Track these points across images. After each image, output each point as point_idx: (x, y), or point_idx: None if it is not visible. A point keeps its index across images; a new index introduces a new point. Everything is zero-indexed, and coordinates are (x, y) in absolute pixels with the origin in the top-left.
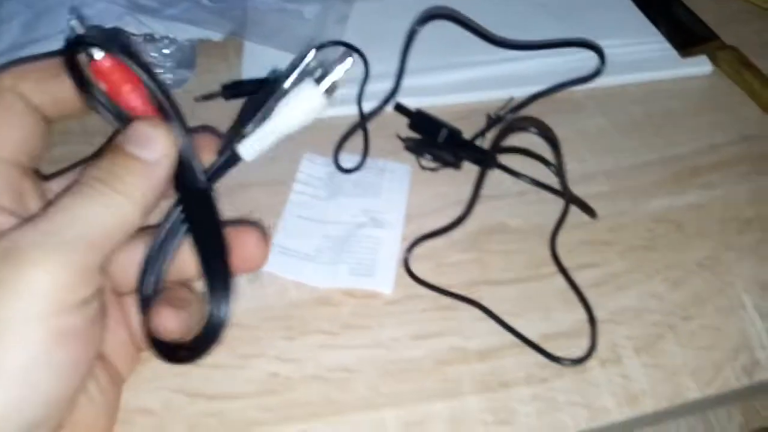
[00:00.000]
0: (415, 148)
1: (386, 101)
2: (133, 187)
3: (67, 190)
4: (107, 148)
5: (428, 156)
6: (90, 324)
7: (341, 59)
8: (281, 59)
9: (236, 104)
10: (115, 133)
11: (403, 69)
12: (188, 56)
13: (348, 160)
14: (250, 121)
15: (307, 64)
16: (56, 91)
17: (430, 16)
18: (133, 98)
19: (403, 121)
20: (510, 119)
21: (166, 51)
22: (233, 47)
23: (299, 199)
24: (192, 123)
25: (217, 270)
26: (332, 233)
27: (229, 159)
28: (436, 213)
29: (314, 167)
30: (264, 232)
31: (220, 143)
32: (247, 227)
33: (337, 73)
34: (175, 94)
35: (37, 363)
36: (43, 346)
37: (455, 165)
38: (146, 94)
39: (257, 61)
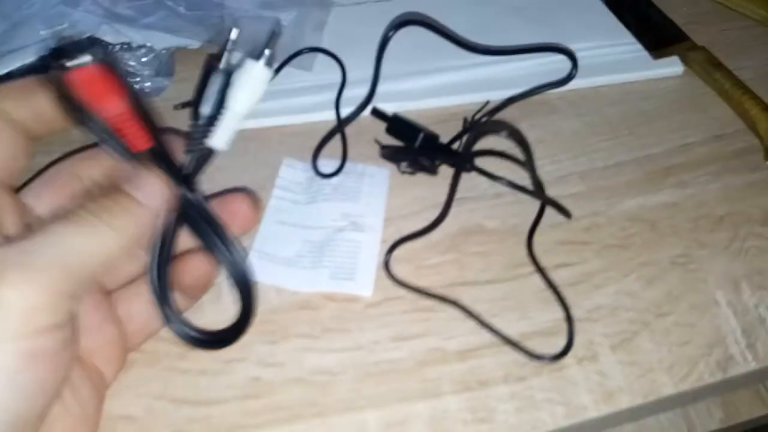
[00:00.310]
0: (391, 155)
1: (363, 106)
2: (126, 224)
3: (55, 216)
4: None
5: (404, 163)
6: (61, 347)
7: (272, 32)
8: None
9: None
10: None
11: (378, 74)
12: (166, 65)
13: (327, 165)
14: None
15: (234, 42)
16: (39, 108)
17: (403, 22)
18: (112, 106)
19: (381, 125)
20: (484, 123)
21: (144, 59)
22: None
23: (279, 204)
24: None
25: (221, 242)
26: (312, 238)
27: (205, 154)
28: (414, 216)
29: (294, 172)
30: (253, 196)
31: (186, 143)
32: (237, 194)
33: (271, 45)
34: (153, 102)
35: (4, 383)
36: (11, 366)
37: (432, 171)
38: (127, 101)
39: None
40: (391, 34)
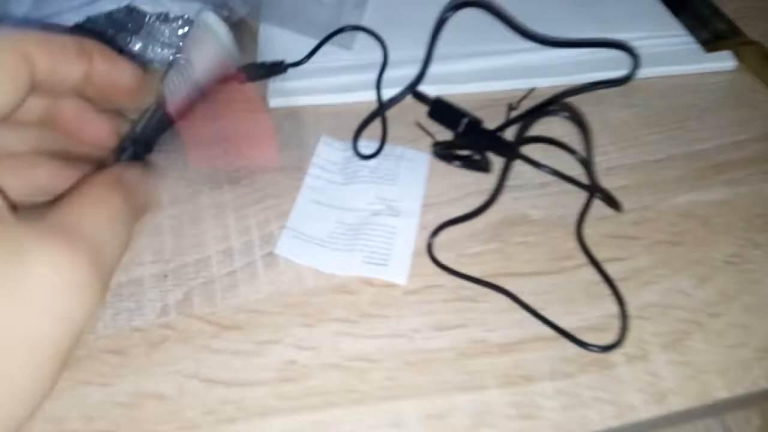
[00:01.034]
0: (443, 154)
1: (409, 89)
2: None
3: None
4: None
5: (457, 163)
6: None
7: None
8: (298, 42)
9: (250, 84)
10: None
11: (430, 57)
12: None
13: (365, 146)
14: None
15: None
16: (63, 69)
17: (462, 3)
18: None
19: (422, 108)
20: (541, 104)
21: (180, 32)
22: (248, 30)
23: (314, 183)
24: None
25: None
26: (347, 220)
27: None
28: (456, 202)
29: (331, 151)
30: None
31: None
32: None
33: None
34: None
35: None
36: None
37: (486, 169)
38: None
39: (273, 43)
40: (448, 15)
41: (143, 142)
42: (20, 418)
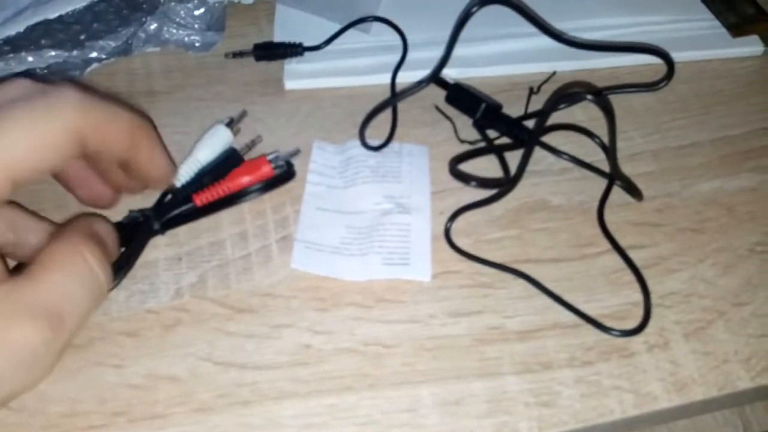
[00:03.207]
0: (460, 174)
1: (428, 80)
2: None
3: None
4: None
5: (474, 183)
6: None
7: (242, 111)
8: (314, 24)
9: (265, 66)
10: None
11: (450, 51)
12: (218, 19)
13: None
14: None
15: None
16: (108, 151)
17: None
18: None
19: (439, 91)
20: (564, 86)
21: (196, 12)
22: (264, 11)
23: (315, 190)
24: (223, 82)
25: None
26: (356, 223)
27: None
28: (468, 188)
29: (325, 155)
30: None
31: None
32: None
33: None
34: (203, 56)
35: None
36: None
37: (509, 186)
38: None
39: (289, 25)
40: (474, 10)
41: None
42: None
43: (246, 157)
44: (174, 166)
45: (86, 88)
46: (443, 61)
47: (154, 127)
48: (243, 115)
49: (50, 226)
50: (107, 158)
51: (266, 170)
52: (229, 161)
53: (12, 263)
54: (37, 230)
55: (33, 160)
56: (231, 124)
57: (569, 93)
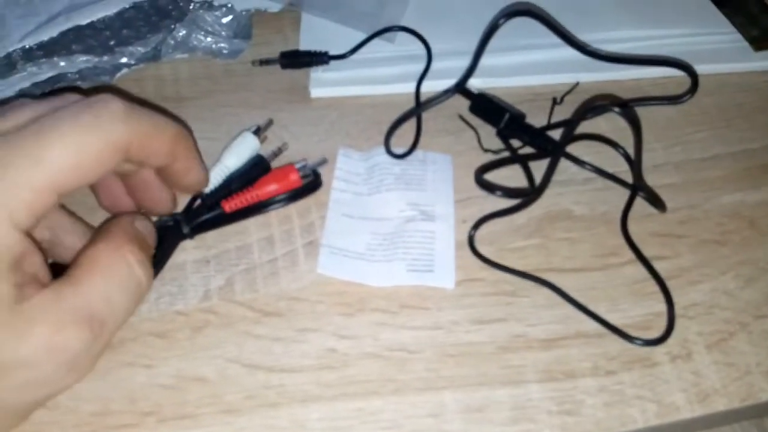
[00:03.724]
0: (488, 185)
1: (452, 91)
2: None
3: None
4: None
5: (499, 193)
6: None
7: (269, 120)
8: (340, 33)
9: (291, 74)
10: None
11: (476, 63)
12: (244, 27)
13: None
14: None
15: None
16: (149, 160)
17: (516, 12)
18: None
19: (463, 100)
20: (592, 99)
21: (223, 20)
22: (289, 20)
23: (341, 197)
24: (249, 89)
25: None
26: (381, 230)
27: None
28: (491, 197)
29: (351, 162)
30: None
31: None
32: None
33: (265, 128)
34: (230, 63)
35: None
36: None
37: (533, 196)
38: None
39: (315, 33)
40: (501, 22)
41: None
42: None
43: (273, 164)
44: (207, 173)
45: (129, 98)
46: (469, 72)
47: (192, 135)
48: (269, 123)
49: (87, 228)
50: (146, 166)
51: (294, 179)
52: (256, 168)
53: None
54: (74, 231)
55: (78, 171)
56: (258, 132)
57: (596, 105)
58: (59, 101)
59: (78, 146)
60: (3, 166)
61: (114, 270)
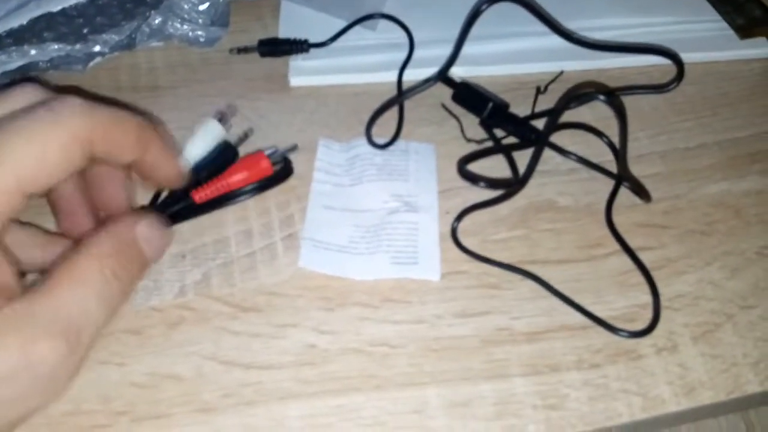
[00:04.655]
0: (469, 175)
1: (434, 79)
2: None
3: None
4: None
5: (482, 184)
6: None
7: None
8: (319, 20)
9: (270, 62)
10: None
11: (459, 50)
12: (222, 14)
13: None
14: None
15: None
16: (117, 155)
17: None
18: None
19: (445, 89)
20: (575, 87)
21: (200, 8)
22: (268, 7)
23: (321, 188)
24: (227, 77)
25: None
26: (364, 222)
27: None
28: (474, 188)
29: (332, 154)
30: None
31: None
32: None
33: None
34: (207, 52)
35: None
36: None
37: (517, 186)
38: None
39: (294, 21)
40: (483, 8)
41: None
42: None
43: (241, 151)
44: (184, 165)
45: (89, 96)
46: (451, 60)
47: (164, 127)
48: (233, 110)
49: (57, 240)
50: (115, 163)
51: (265, 166)
52: (223, 155)
53: None
54: (43, 245)
55: (43, 169)
56: (222, 120)
57: (581, 93)
58: (16, 98)
59: (41, 143)
60: None
61: (90, 281)
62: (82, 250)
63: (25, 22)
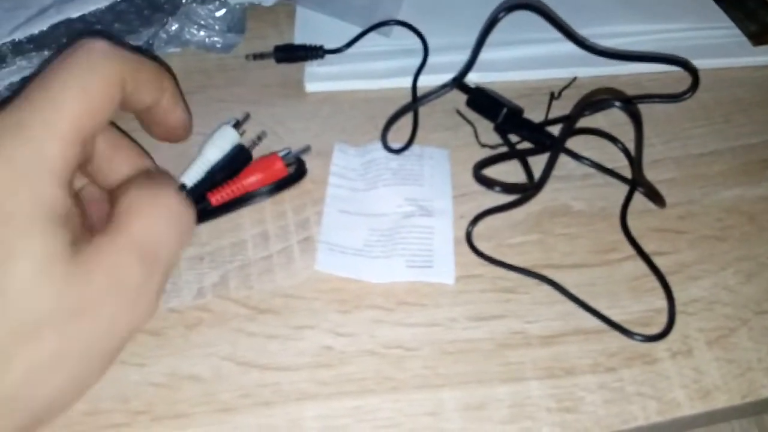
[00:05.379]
0: (487, 180)
1: (449, 86)
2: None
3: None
4: None
5: (498, 188)
6: None
7: (246, 113)
8: (334, 26)
9: (286, 68)
10: None
11: (475, 58)
12: (239, 21)
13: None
14: None
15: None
16: (141, 97)
17: (516, 5)
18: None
19: (460, 94)
20: (592, 93)
21: (217, 14)
22: (284, 13)
23: (337, 192)
24: (243, 83)
25: None
26: (379, 226)
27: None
28: (489, 192)
29: (347, 158)
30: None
31: None
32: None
33: (243, 121)
34: (224, 58)
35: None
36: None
37: (532, 192)
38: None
39: (310, 27)
40: (501, 16)
41: None
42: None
43: (256, 155)
44: (190, 115)
45: (111, 38)
46: (468, 66)
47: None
48: (247, 117)
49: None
50: (137, 105)
51: (279, 167)
52: (238, 157)
53: None
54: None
55: (93, 113)
56: (237, 125)
57: (597, 99)
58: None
59: (84, 89)
60: (27, 125)
61: (159, 210)
62: (145, 183)
63: (45, 28)
